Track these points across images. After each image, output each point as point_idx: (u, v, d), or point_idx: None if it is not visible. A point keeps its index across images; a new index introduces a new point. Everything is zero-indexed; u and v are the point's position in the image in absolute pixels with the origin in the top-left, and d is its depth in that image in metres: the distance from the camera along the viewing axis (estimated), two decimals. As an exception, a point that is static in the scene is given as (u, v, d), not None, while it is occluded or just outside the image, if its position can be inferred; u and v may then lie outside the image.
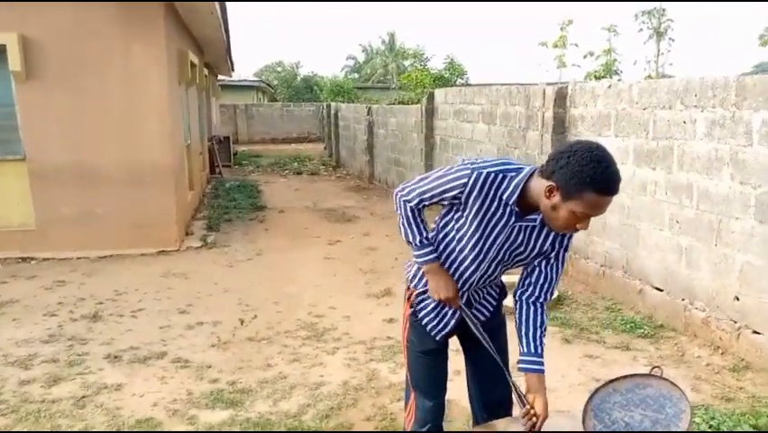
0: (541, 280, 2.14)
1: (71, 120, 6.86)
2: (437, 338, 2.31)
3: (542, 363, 2.13)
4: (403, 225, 2.18)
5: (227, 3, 11.35)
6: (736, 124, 4.08)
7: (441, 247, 2.17)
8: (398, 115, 11.86)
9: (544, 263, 2.13)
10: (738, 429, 3.15)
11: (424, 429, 2.35)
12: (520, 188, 1.93)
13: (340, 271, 6.50)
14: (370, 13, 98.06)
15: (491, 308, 2.33)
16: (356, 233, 8.45)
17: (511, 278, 2.25)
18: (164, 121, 7.12)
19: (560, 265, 2.14)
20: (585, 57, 12.12)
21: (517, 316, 2.17)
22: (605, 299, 5.38)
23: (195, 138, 10.97)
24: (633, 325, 4.73)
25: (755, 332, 4.01)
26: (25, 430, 3.29)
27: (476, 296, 2.27)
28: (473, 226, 2.04)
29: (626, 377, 2.10)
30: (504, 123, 7.40)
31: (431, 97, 9.87)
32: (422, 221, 2.17)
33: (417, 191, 2.11)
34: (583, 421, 2.05)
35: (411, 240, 2.18)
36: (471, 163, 2.00)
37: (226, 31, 11.71)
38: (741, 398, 3.62)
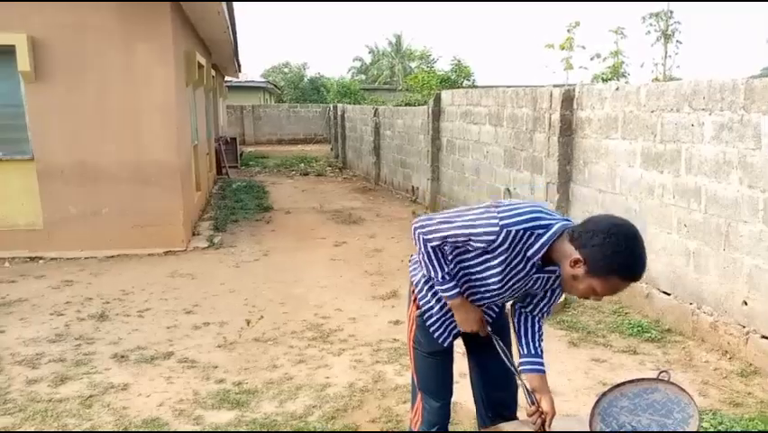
0: (542, 302, 2.24)
1: (79, 120, 6.89)
2: (444, 345, 2.35)
3: (542, 364, 2.21)
4: (424, 261, 2.15)
5: (234, 3, 11.40)
6: (745, 128, 4.06)
7: (463, 270, 2.15)
8: (405, 117, 11.86)
9: (549, 291, 2.21)
10: (746, 435, 3.13)
11: (432, 430, 2.36)
12: (546, 247, 1.92)
13: (346, 273, 6.50)
14: (376, 14, 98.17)
15: (497, 309, 2.37)
16: (362, 234, 8.45)
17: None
18: (171, 121, 7.15)
19: (561, 291, 2.20)
20: (592, 59, 12.11)
21: (516, 322, 2.28)
22: (612, 303, 5.36)
23: (202, 139, 11.01)
24: (640, 329, 4.71)
25: (764, 337, 3.99)
26: (31, 430, 3.30)
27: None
28: (495, 271, 2.04)
29: (633, 381, 2.09)
30: (511, 125, 7.39)
31: (437, 99, 9.86)
32: (443, 257, 2.12)
33: (441, 235, 2.05)
34: (590, 425, 2.04)
35: (433, 275, 2.15)
36: (500, 212, 1.93)
37: (233, 32, 11.75)
38: (749, 403, 3.60)
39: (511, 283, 2.07)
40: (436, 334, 2.32)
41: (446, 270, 2.12)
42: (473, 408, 2.58)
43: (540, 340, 2.24)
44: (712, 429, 3.17)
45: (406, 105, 15.84)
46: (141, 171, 7.09)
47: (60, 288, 5.88)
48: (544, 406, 2.11)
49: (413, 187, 11.45)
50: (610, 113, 5.47)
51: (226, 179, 14.30)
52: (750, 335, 4.09)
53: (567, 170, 6.14)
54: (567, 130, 6.08)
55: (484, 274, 2.07)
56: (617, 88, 5.46)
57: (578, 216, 6.03)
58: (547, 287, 2.13)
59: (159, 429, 3.31)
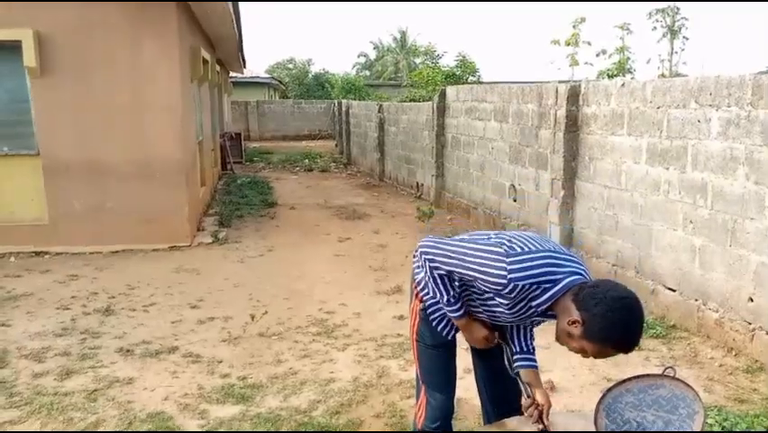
0: (537, 320, 2.24)
1: (84, 116, 6.90)
2: (448, 337, 2.37)
3: (535, 360, 2.29)
4: (431, 284, 2.17)
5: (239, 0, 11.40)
6: (752, 124, 4.04)
7: (470, 293, 2.16)
8: (410, 113, 11.84)
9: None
10: (752, 431, 3.12)
11: (434, 425, 2.36)
12: (551, 302, 1.94)
13: (350, 268, 6.50)
14: (381, 10, 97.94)
15: None
16: (366, 230, 8.45)
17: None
18: (176, 117, 7.16)
19: None
20: (598, 55, 12.01)
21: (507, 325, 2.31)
22: (616, 299, 5.34)
23: (207, 134, 11.02)
24: (645, 325, 4.68)
25: (769, 333, 3.98)
26: (38, 431, 3.31)
27: None
28: (501, 308, 2.07)
29: (638, 377, 2.09)
30: (516, 121, 7.37)
31: (442, 95, 9.84)
32: (450, 282, 2.13)
33: (448, 267, 2.06)
34: (595, 421, 2.04)
35: (439, 298, 2.18)
36: (510, 263, 1.92)
37: (239, 27, 11.74)
38: (755, 399, 3.59)
39: (516, 316, 2.09)
40: (440, 327, 2.34)
41: (452, 293, 2.14)
42: (478, 404, 2.59)
43: (531, 339, 2.31)
44: (717, 426, 3.16)
45: (410, 101, 15.80)
46: (146, 167, 7.10)
47: (66, 282, 5.90)
48: (539, 399, 2.16)
49: (417, 183, 11.44)
50: (616, 109, 5.45)
51: (231, 175, 14.32)
52: (756, 331, 4.07)
53: (572, 166, 6.12)
54: (572, 126, 6.06)
55: (489, 303, 2.10)
56: (623, 84, 5.43)
57: (583, 212, 6.02)
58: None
59: (163, 423, 3.33)
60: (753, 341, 4.10)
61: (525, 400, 2.19)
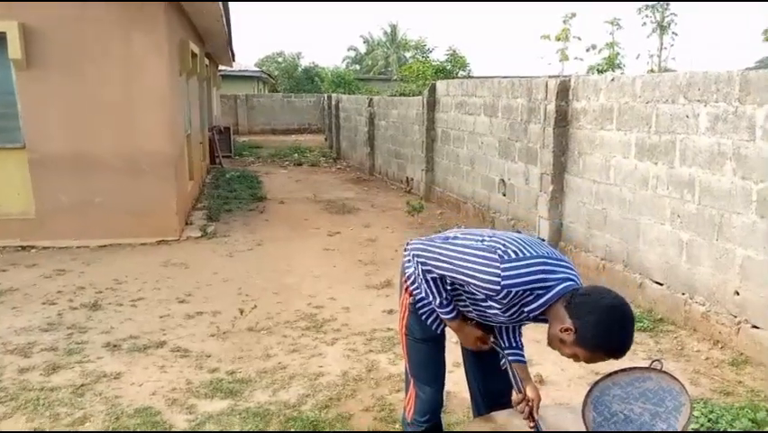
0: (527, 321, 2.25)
1: (71, 109, 6.83)
2: (438, 331, 2.37)
3: (523, 355, 2.31)
4: (423, 286, 2.17)
5: (229, -8, 11.30)
6: (739, 119, 4.07)
7: (463, 294, 2.15)
8: (400, 107, 11.82)
9: None
10: (737, 423, 3.15)
11: (423, 418, 2.37)
12: (543, 309, 1.95)
13: (340, 263, 6.49)
14: (371, 4, 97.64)
15: None
16: (356, 224, 8.44)
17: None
18: (164, 110, 7.10)
19: None
20: (588, 50, 12.14)
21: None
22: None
23: (195, 128, 10.94)
24: (632, 318, 4.73)
25: (755, 326, 4.01)
26: (30, 431, 3.28)
27: None
28: (493, 311, 2.07)
29: (625, 370, 2.09)
30: (506, 115, 7.38)
31: (432, 89, 9.83)
32: (442, 285, 2.13)
33: (440, 271, 2.07)
34: (583, 414, 2.05)
35: (431, 300, 2.18)
36: (504, 269, 1.91)
37: (227, 21, 11.66)
38: (740, 392, 3.63)
39: (508, 319, 2.10)
40: (429, 320, 2.35)
41: (444, 295, 2.15)
42: (467, 397, 2.59)
43: (519, 336, 2.33)
44: (703, 418, 3.18)
45: (400, 95, 15.78)
46: (133, 160, 7.04)
47: (53, 277, 5.85)
48: (530, 393, 2.17)
49: (407, 177, 11.44)
50: (605, 104, 5.46)
51: (220, 169, 14.24)
52: (741, 324, 4.11)
53: (562, 160, 6.14)
54: (562, 121, 6.07)
55: (482, 305, 2.10)
56: (613, 79, 5.45)
57: (572, 206, 6.04)
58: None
59: (151, 418, 3.30)
60: (738, 334, 4.14)
61: (515, 396, 2.19)
